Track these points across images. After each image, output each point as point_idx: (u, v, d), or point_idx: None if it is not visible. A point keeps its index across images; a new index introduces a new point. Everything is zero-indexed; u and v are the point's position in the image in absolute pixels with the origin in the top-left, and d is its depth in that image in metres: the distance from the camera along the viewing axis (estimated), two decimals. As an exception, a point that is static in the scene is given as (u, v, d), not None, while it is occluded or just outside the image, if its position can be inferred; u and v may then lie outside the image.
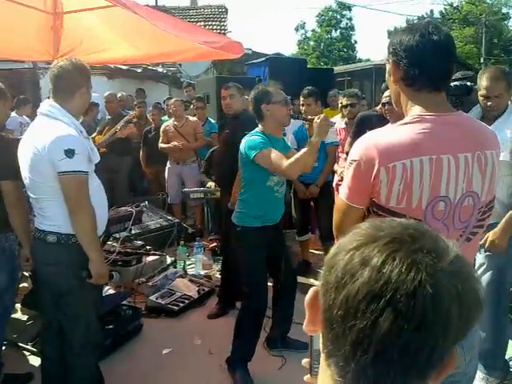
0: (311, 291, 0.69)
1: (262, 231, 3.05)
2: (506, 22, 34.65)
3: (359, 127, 4.41)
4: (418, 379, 0.61)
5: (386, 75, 1.56)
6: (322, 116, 2.75)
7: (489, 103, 2.82)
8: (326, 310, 0.63)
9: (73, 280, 2.37)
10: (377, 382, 0.60)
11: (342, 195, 1.54)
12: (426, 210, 1.42)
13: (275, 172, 2.91)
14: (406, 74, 1.46)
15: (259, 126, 3.05)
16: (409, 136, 1.40)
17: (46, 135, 2.27)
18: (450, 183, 1.41)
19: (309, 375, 0.82)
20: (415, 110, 1.46)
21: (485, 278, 2.88)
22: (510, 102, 2.91)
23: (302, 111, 4.87)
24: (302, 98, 4.86)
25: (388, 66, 1.53)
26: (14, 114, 7.22)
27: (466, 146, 1.43)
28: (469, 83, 3.12)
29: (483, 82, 2.82)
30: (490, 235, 2.75)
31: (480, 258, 2.92)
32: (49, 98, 2.47)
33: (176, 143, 5.98)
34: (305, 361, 0.83)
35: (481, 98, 2.85)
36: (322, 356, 0.67)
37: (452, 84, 3.15)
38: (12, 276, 2.85)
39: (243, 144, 2.97)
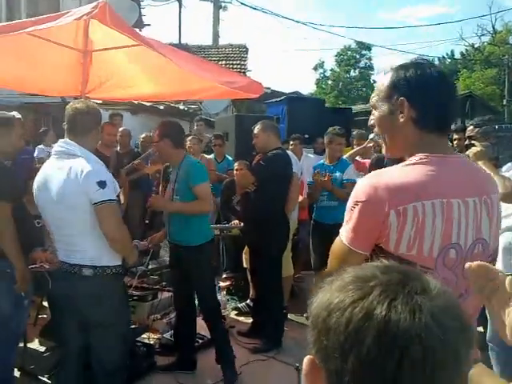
0: (307, 360, 0.65)
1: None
2: (529, 64, 34.56)
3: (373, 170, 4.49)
4: None
5: (382, 113, 1.43)
6: None
7: None
8: (331, 379, 0.60)
9: (110, 311, 2.50)
10: None
11: (343, 238, 1.40)
12: (438, 258, 1.33)
13: None
14: (419, 115, 1.37)
15: None
16: (418, 177, 1.32)
17: (78, 172, 2.43)
18: (460, 229, 1.33)
19: None
20: (421, 151, 1.37)
21: None
22: None
23: (331, 147, 4.87)
24: (334, 136, 4.85)
25: (386, 107, 1.41)
26: (42, 146, 7.43)
27: (472, 190, 1.37)
28: None
29: None
30: None
31: None
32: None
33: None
34: None
35: None
36: None
37: (497, 126, 3.15)
38: (17, 303, 2.89)
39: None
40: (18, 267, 2.76)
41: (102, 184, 2.42)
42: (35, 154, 6.36)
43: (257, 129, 4.25)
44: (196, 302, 3.75)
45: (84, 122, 2.60)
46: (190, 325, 3.75)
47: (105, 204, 2.43)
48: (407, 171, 1.35)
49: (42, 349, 3.84)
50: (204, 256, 3.50)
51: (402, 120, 1.39)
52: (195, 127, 7.97)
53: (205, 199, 3.43)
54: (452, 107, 1.41)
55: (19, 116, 3.06)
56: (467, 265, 1.03)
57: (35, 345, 3.85)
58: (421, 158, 1.35)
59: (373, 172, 1.42)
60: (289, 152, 4.87)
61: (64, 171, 2.46)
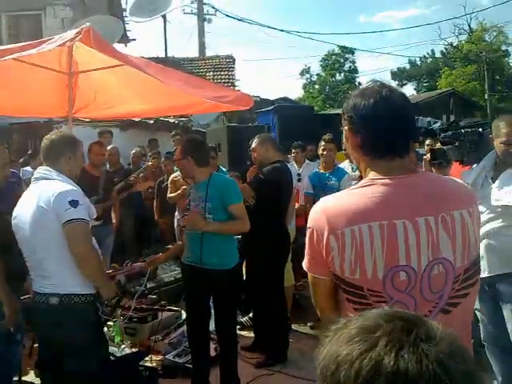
0: None
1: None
2: (506, 59, 35.30)
3: None
4: None
5: (344, 139, 1.51)
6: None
7: (511, 150, 2.78)
8: None
9: (77, 340, 2.40)
10: None
11: (304, 266, 1.45)
12: (385, 280, 1.29)
13: None
14: (364, 142, 1.38)
15: None
16: (358, 201, 1.32)
17: (50, 192, 2.40)
18: (410, 251, 1.28)
19: None
20: (370, 176, 1.38)
21: None
22: None
23: (323, 155, 4.98)
24: (323, 143, 5.00)
25: (344, 132, 1.46)
26: (29, 168, 7.31)
27: (426, 209, 1.31)
28: (480, 129, 3.17)
29: (502, 129, 2.79)
30: None
31: None
32: None
33: (184, 186, 5.99)
34: None
35: (500, 146, 2.81)
36: None
37: (462, 130, 3.15)
38: (8, 339, 2.81)
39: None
40: (4, 302, 2.68)
41: (73, 203, 2.35)
42: (23, 177, 6.29)
43: (254, 143, 4.13)
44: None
45: (55, 148, 2.60)
46: (205, 350, 3.60)
47: (76, 222, 2.36)
48: (347, 196, 1.37)
49: (38, 381, 3.70)
50: (237, 279, 3.39)
51: (350, 147, 1.45)
52: (172, 142, 7.56)
53: (244, 218, 3.29)
54: (398, 131, 1.37)
55: None
56: None
57: (31, 377, 3.72)
58: (364, 183, 1.36)
59: (321, 198, 1.45)
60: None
61: (37, 193, 2.44)
